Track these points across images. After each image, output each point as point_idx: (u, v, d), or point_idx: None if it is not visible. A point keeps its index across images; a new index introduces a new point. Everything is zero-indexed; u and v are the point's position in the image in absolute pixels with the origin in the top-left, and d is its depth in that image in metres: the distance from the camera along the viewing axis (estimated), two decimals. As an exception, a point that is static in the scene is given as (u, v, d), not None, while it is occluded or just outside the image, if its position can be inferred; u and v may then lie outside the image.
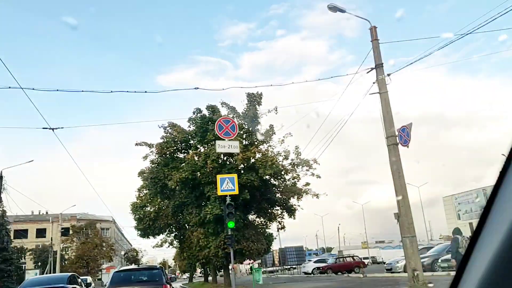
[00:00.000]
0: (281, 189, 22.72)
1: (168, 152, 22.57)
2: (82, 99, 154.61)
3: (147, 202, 27.32)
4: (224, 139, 15.11)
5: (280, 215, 23.90)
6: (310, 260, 42.09)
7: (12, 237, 63.46)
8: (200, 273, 72.29)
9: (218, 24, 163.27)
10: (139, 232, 28.13)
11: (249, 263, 51.18)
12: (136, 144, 22.97)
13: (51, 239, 60.50)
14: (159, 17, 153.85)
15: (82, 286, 16.40)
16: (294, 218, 22.85)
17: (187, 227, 27.18)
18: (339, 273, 34.69)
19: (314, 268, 37.91)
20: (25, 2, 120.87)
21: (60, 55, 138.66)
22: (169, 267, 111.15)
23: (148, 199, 27.19)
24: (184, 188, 21.76)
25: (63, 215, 72.57)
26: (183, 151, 23.61)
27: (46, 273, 48.98)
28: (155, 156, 22.93)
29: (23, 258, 66.31)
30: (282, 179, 22.69)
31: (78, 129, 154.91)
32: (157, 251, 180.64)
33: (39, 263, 61.35)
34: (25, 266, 63.38)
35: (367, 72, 15.48)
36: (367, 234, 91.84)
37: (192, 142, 23.03)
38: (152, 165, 23.18)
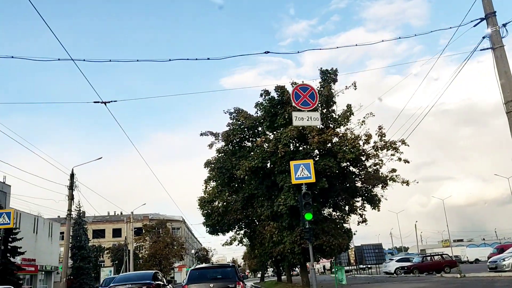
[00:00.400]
0: (362, 177, 20.06)
1: (235, 140, 20.84)
2: (149, 105, 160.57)
3: (215, 197, 25.83)
4: (302, 110, 12.91)
5: (360, 207, 21.21)
6: (392, 259, 38.61)
7: (91, 237, 66.62)
8: (273, 271, 70.82)
9: (279, 23, 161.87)
10: (208, 228, 26.73)
11: (330, 261, 48.43)
12: (201, 134, 21.53)
13: (125, 239, 62.04)
14: (220, 20, 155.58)
15: (164, 282, 17.11)
16: (379, 210, 20.10)
17: (257, 223, 25.35)
18: (425, 273, 31.14)
19: (397, 268, 34.49)
20: None
21: (127, 64, 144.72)
22: (239, 266, 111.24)
23: (216, 193, 25.69)
24: (253, 178, 19.88)
25: (137, 215, 74.87)
26: (250, 139, 21.78)
27: (122, 272, 49.90)
28: (221, 144, 21.34)
29: (101, 256, 69.07)
30: (362, 166, 20.05)
31: (147, 135, 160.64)
32: (227, 250, 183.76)
33: (116, 261, 63.27)
34: (103, 264, 65.76)
35: (474, 26, 12.59)
36: (444, 232, 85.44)
37: (260, 129, 21.14)
38: (219, 155, 21.60)
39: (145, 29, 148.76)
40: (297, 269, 46.21)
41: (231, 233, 30.69)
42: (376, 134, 18.94)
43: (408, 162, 18.93)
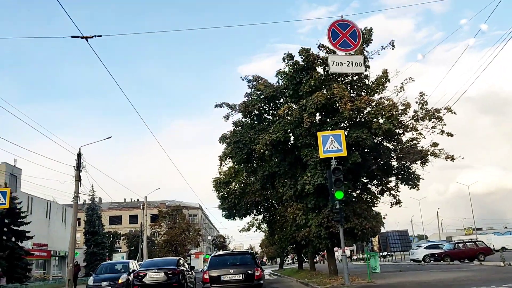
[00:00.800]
0: (398, 152, 17.66)
1: (253, 112, 18.62)
2: (166, 94, 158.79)
3: (231, 177, 23.81)
4: (341, 53, 10.48)
5: (394, 187, 18.85)
6: (420, 246, 36.23)
7: (108, 223, 65.98)
8: (292, 259, 68.94)
9: (297, 9, 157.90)
10: (224, 212, 24.84)
11: (349, 249, 46.23)
12: (216, 106, 19.37)
13: (141, 225, 61.03)
14: (238, 8, 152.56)
15: (186, 268, 17.58)
16: (418, 189, 17.72)
17: (277, 207, 23.28)
18: (456, 261, 28.82)
19: (426, 255, 32.18)
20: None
21: (145, 52, 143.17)
22: (256, 253, 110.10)
23: (232, 174, 23.66)
24: (274, 154, 17.68)
25: (154, 202, 73.91)
26: (271, 112, 19.54)
27: (138, 260, 48.78)
28: (238, 116, 19.18)
29: (117, 243, 68.51)
30: (398, 141, 17.66)
31: (164, 121, 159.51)
32: (244, 237, 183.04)
33: (132, 247, 62.76)
34: (120, 250, 65.20)
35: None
36: (465, 220, 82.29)
37: (282, 100, 18.85)
38: (236, 128, 19.38)
39: (155, 10, 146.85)
40: (317, 256, 44.19)
41: (248, 219, 28.83)
42: (416, 103, 16.48)
43: (452, 135, 16.47)
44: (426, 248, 33.98)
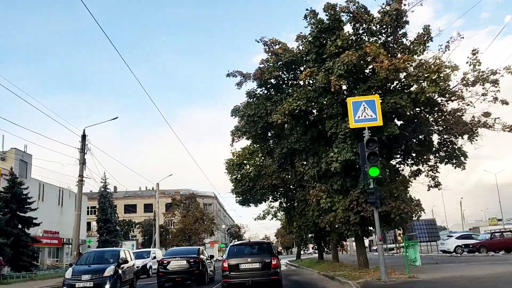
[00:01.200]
0: (440, 124, 15.06)
1: (270, 80, 16.25)
2: (181, 83, 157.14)
3: (245, 159, 21.60)
4: None
5: (434, 166, 16.24)
6: (451, 236, 33.57)
7: (123, 212, 64.92)
8: (312, 248, 66.60)
9: None
10: (238, 197, 22.71)
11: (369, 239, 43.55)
12: (228, 75, 16.96)
13: (154, 213, 59.86)
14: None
15: (207, 256, 18.27)
16: (463, 168, 15.08)
17: (295, 192, 20.99)
18: (491, 252, 26.32)
19: (458, 246, 29.56)
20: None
21: (163, 42, 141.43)
22: (272, 243, 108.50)
23: (246, 155, 21.45)
24: (295, 127, 15.31)
25: (168, 191, 72.67)
26: (289, 83, 17.14)
27: (152, 247, 47.44)
28: (253, 86, 16.81)
29: (132, 231, 67.67)
30: (440, 111, 15.10)
31: (178, 112, 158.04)
32: (259, 226, 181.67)
33: (147, 236, 61.92)
34: (135, 238, 64.51)
35: None
36: (487, 210, 78.97)
37: (302, 68, 16.43)
38: (250, 99, 16.99)
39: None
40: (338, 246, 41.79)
41: (264, 206, 26.58)
42: (467, 63, 13.78)
43: (507, 103, 13.83)
44: (457, 238, 31.30)
